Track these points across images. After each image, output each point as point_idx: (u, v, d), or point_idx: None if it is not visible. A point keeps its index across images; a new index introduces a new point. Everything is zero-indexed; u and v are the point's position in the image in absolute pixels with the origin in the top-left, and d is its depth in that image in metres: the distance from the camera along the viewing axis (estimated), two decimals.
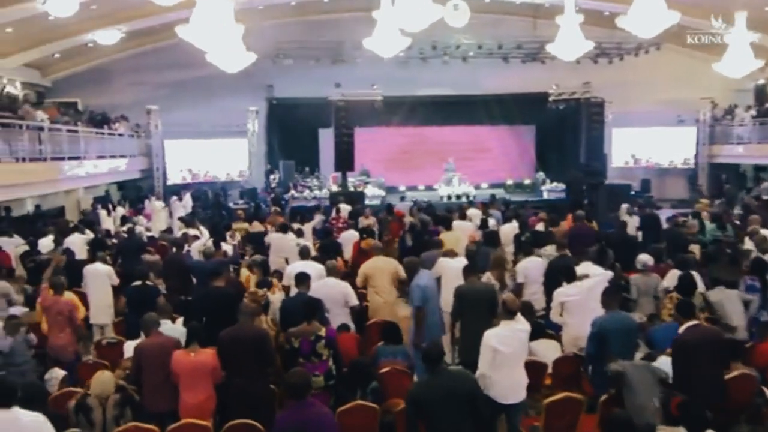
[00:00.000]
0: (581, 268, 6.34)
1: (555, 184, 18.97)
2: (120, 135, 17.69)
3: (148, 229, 12.92)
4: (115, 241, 10.74)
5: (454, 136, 21.47)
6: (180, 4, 12.66)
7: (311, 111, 20.10)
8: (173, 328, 5.65)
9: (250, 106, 20.39)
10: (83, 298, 7.91)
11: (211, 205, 17.05)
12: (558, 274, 6.45)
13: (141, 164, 19.33)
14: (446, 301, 6.37)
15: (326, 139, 20.80)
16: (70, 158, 13.70)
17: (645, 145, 21.56)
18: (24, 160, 11.48)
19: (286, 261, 8.71)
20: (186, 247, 8.90)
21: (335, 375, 5.08)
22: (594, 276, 5.96)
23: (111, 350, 6.21)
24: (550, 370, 5.54)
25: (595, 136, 18.13)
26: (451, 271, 6.70)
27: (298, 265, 6.83)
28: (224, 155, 20.79)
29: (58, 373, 5.00)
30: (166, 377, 4.87)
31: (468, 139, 21.63)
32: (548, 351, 5.61)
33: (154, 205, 15.64)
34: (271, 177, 20.04)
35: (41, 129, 12.34)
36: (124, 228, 11.37)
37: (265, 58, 17.47)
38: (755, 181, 22.38)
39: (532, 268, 7.13)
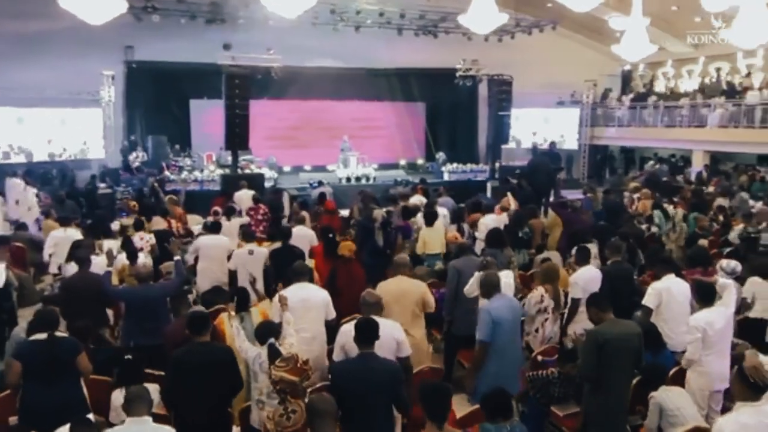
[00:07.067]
0: (664, 284, 5.16)
1: (456, 165, 18.07)
2: None
3: None
4: None
5: (344, 112, 19.71)
6: None
7: (182, 78, 17.39)
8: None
9: (104, 69, 16.89)
10: None
11: (67, 191, 13.52)
12: (617, 287, 5.22)
13: None
14: None
15: (199, 111, 18.15)
16: None
17: (530, 126, 21.46)
18: None
19: (234, 277, 6.60)
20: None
21: None
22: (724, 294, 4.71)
23: None
24: None
25: (504, 115, 17.43)
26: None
27: (298, 293, 4.79)
28: (70, 128, 17.08)
29: None
30: None
31: (358, 116, 19.98)
32: (685, 405, 4.20)
33: None
34: (133, 155, 16.87)
35: None
36: None
37: (125, 13, 14.41)
38: (623, 163, 23.62)
39: (592, 279, 5.58)
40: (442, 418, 3.27)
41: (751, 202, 11.25)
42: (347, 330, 4.44)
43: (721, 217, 9.84)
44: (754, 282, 5.94)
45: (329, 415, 3.14)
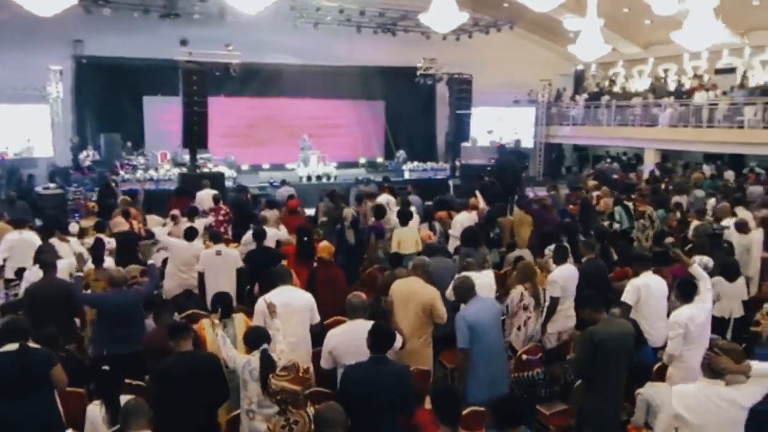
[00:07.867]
0: (642, 280, 5.26)
1: (417, 163, 18.11)
2: None
3: None
4: None
5: (303, 110, 19.42)
6: None
7: (135, 74, 16.85)
8: None
9: (51, 64, 16.18)
10: None
11: (17, 191, 12.83)
12: (593, 285, 5.29)
13: None
14: None
15: (153, 108, 17.60)
16: None
17: (486, 125, 21.64)
18: None
19: (202, 279, 6.39)
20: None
21: None
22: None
23: None
24: None
25: (464, 114, 17.55)
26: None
27: (280, 297, 4.63)
28: (12, 125, 16.31)
29: None
30: None
31: (318, 114, 19.75)
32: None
33: None
34: (84, 153, 16.26)
35: None
36: None
37: (75, 5, 13.80)
38: (576, 161, 24.18)
39: (571, 277, 5.63)
40: (455, 422, 3.26)
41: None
42: (336, 334, 4.36)
43: (678, 214, 10.14)
44: (718, 282, 6.12)
45: (338, 424, 3.05)
